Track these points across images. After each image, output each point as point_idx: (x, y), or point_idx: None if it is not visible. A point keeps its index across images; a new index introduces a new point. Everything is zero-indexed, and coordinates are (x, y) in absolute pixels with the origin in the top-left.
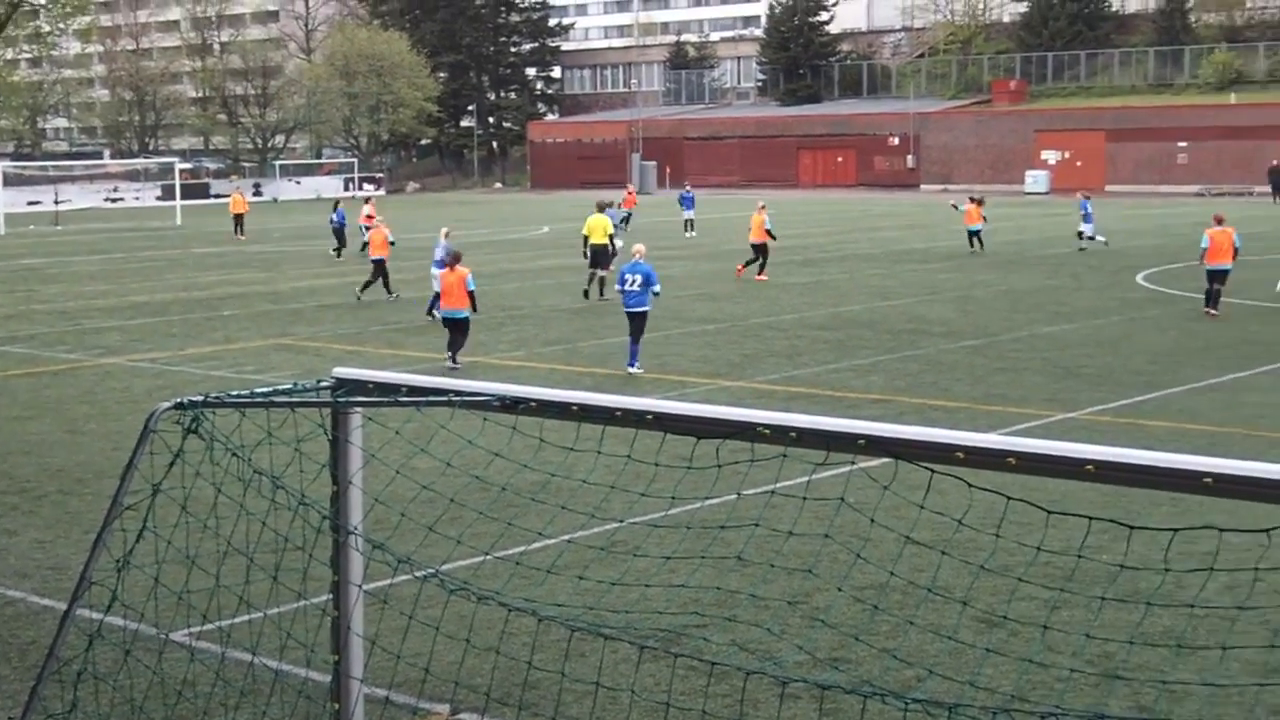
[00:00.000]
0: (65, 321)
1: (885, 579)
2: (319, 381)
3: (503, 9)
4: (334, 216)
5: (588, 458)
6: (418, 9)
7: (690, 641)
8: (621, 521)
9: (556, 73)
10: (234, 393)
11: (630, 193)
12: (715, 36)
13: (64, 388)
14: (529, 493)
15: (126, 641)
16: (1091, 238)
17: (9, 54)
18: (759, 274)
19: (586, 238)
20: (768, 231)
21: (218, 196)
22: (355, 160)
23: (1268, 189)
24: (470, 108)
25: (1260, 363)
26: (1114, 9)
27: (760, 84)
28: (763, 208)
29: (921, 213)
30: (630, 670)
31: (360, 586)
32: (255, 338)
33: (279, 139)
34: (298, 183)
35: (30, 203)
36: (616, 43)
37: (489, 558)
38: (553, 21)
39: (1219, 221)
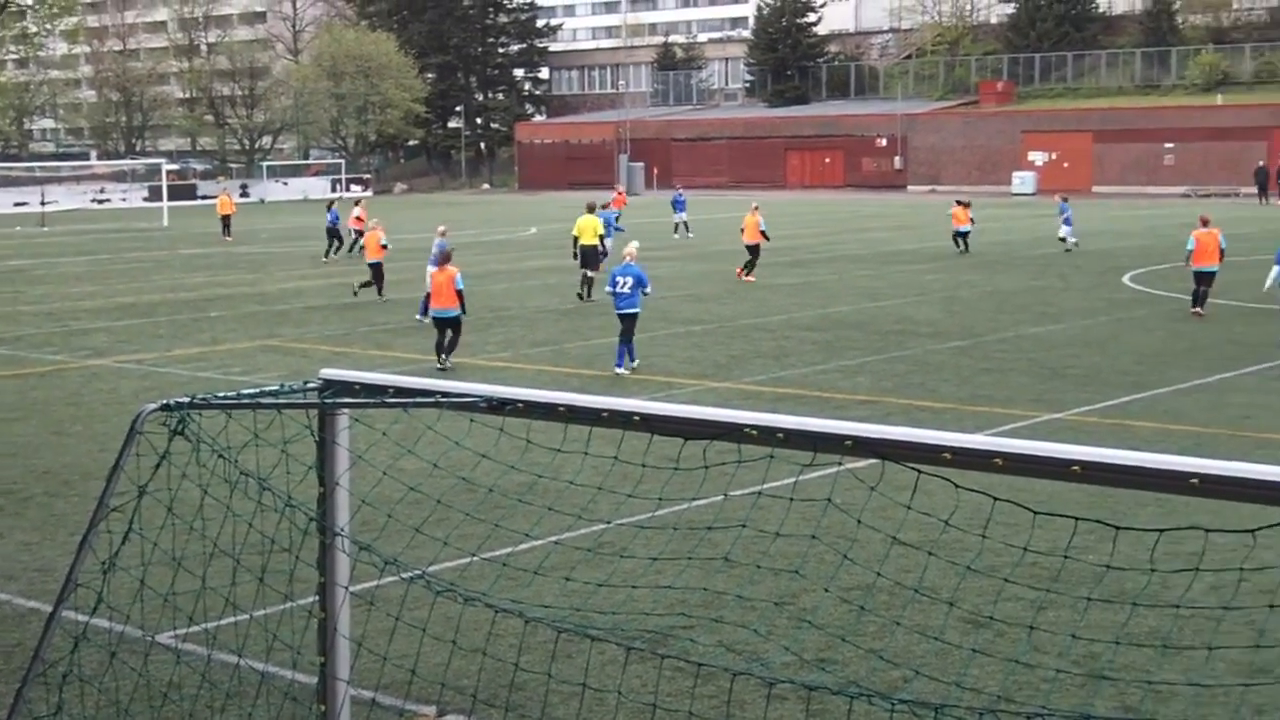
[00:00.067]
0: (52, 323)
1: (872, 580)
2: (306, 383)
3: (491, 10)
4: (328, 217)
5: (575, 459)
6: (405, 10)
7: (677, 642)
8: (608, 523)
9: (544, 74)
10: (220, 394)
11: (620, 193)
12: (703, 37)
13: (50, 389)
14: (516, 494)
15: (112, 644)
16: (1063, 239)
17: None
18: (740, 271)
19: (576, 238)
20: (762, 233)
21: (205, 198)
22: (343, 161)
23: (1254, 190)
24: (458, 109)
25: (1246, 363)
26: (1101, 10)
27: (748, 85)
28: (756, 208)
29: (909, 214)
30: (617, 671)
31: (347, 588)
32: (242, 339)
33: (266, 140)
34: (285, 184)
35: (17, 204)
36: (604, 44)
37: (476, 559)
38: (540, 22)
39: (1204, 223)
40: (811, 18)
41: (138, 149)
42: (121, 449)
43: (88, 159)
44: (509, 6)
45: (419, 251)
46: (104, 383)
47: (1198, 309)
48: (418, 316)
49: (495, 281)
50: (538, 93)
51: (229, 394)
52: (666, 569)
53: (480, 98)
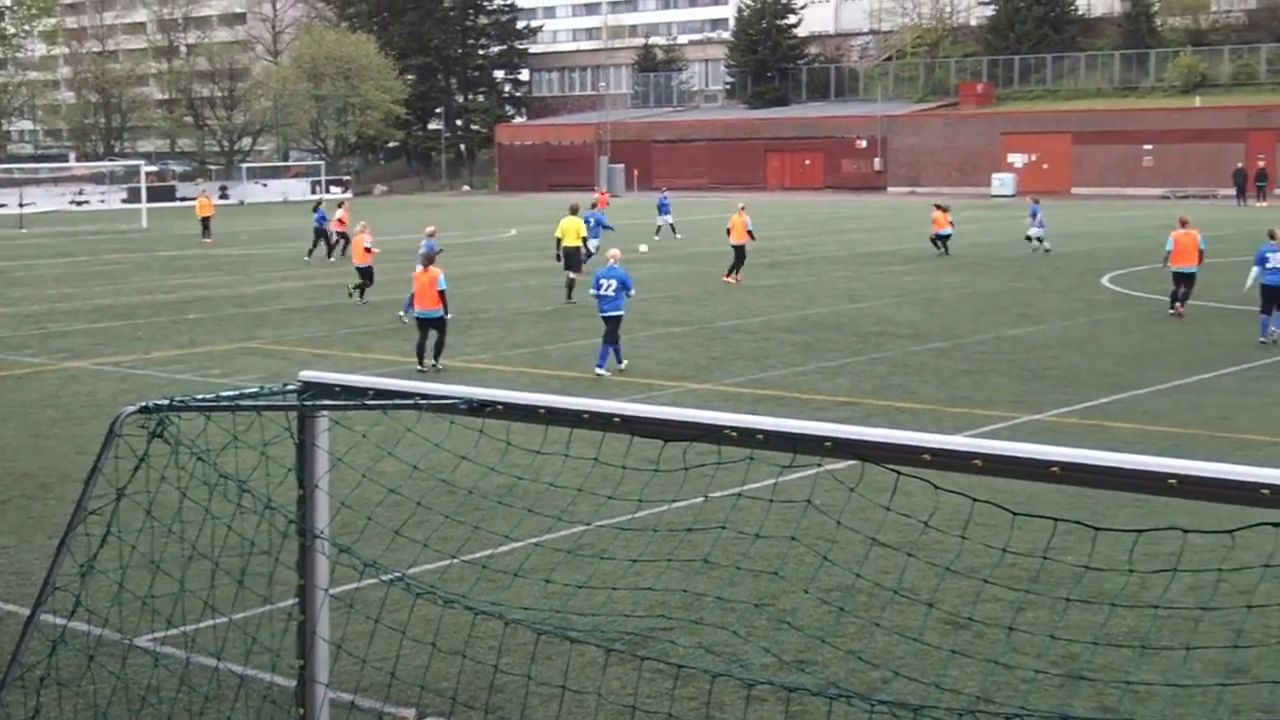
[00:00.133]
0: (30, 325)
1: (851, 581)
2: (285, 385)
3: (471, 12)
4: (315, 218)
5: (555, 461)
6: (385, 11)
7: (657, 644)
8: (588, 524)
9: (524, 75)
10: (199, 396)
11: (603, 194)
12: (683, 39)
13: (28, 392)
14: (496, 496)
15: (90, 647)
16: (1028, 238)
17: None
18: (726, 275)
19: (559, 240)
20: (749, 233)
21: (184, 199)
22: (322, 163)
23: (1232, 192)
24: (438, 110)
25: (1224, 364)
26: (1080, 12)
27: (728, 87)
28: (743, 209)
29: (889, 215)
30: (597, 673)
31: (326, 590)
32: (221, 341)
33: (246, 141)
34: (264, 185)
35: None
36: (585, 45)
37: (456, 561)
38: (521, 24)
39: (1183, 224)
40: (791, 19)
41: (116, 150)
42: (100, 451)
43: (66, 160)
44: (489, 8)
45: (399, 253)
46: (82, 385)
47: (1177, 308)
48: (401, 314)
49: (475, 283)
50: (518, 94)
51: (208, 396)
52: (646, 571)
53: (460, 99)
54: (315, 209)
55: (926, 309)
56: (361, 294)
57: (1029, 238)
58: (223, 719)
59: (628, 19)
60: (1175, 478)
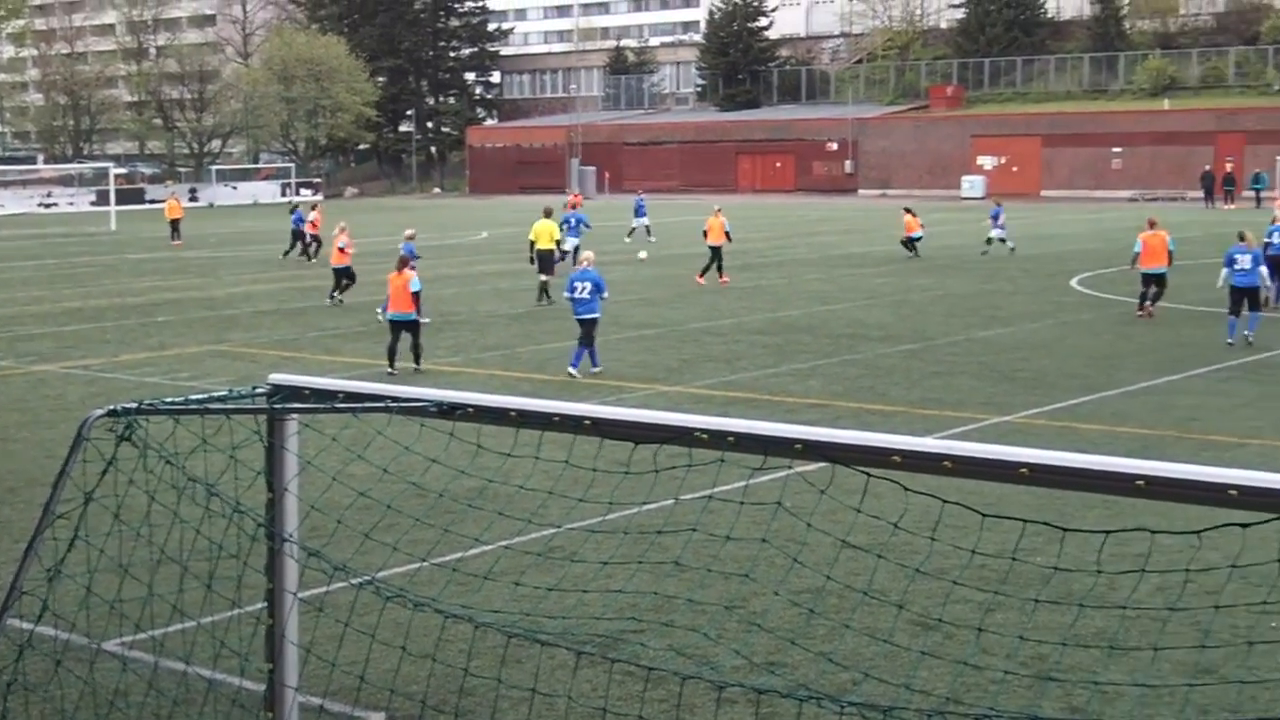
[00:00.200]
0: None
1: (822, 583)
2: (255, 388)
3: (442, 14)
4: (293, 219)
5: (525, 463)
6: (356, 13)
7: (627, 647)
8: (559, 527)
9: (496, 78)
10: (168, 400)
11: (575, 195)
12: (655, 42)
13: None
14: (466, 499)
15: (58, 651)
16: (989, 240)
17: None
18: (700, 275)
19: (533, 243)
20: (726, 234)
21: (153, 202)
22: (293, 165)
23: (1200, 194)
24: (409, 112)
25: (1192, 366)
26: (1050, 15)
27: (699, 89)
28: (719, 211)
29: (859, 217)
30: (567, 676)
31: (295, 594)
32: (190, 344)
33: (215, 144)
34: (234, 188)
35: None
36: (556, 48)
37: (425, 564)
38: (492, 26)
39: (1152, 225)
40: (763, 22)
41: (85, 153)
42: (68, 455)
43: (34, 163)
44: (460, 10)
45: (371, 255)
46: (50, 389)
47: (1147, 309)
48: (379, 311)
49: (446, 286)
50: (489, 97)
51: (177, 399)
52: (617, 573)
53: (431, 101)
54: (292, 211)
55: (897, 311)
56: (333, 294)
57: (989, 240)
58: None
59: (599, 21)
60: (1143, 479)
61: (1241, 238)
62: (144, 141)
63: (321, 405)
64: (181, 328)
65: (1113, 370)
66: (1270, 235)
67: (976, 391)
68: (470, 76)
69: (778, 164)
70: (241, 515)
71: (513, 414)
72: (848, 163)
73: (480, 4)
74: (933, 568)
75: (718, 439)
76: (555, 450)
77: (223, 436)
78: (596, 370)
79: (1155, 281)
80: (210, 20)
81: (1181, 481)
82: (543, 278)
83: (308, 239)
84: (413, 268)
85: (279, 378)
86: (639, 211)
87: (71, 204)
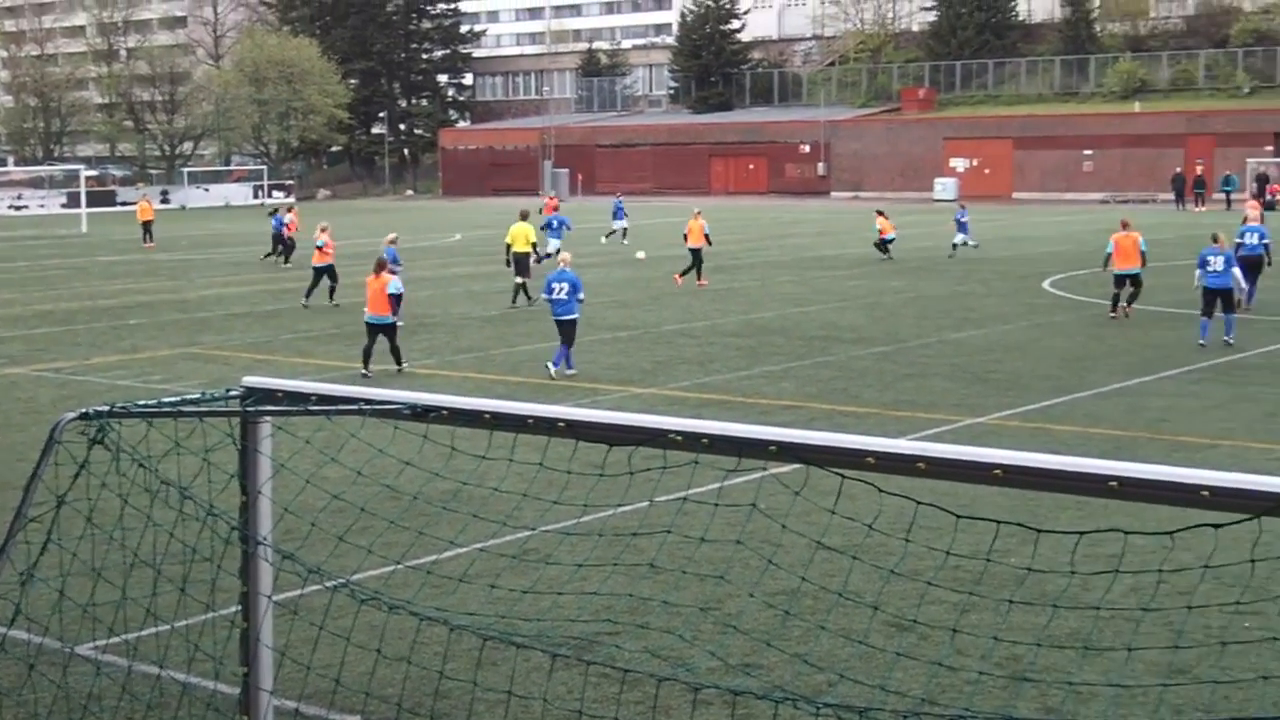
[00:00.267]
0: None
1: (797, 584)
2: (228, 390)
3: (414, 16)
4: (273, 222)
5: (500, 466)
6: (328, 15)
7: (603, 649)
8: (534, 529)
9: (468, 80)
10: (141, 402)
11: (551, 198)
12: (627, 44)
13: None
14: (440, 501)
15: (30, 656)
16: (956, 245)
17: None
18: (680, 274)
19: (509, 246)
20: (706, 236)
21: (124, 204)
22: (265, 167)
23: (1171, 197)
24: (381, 114)
25: (1163, 367)
26: (1021, 18)
27: (672, 91)
28: (699, 214)
29: (832, 220)
30: (542, 679)
31: (270, 597)
32: (162, 347)
33: (187, 146)
34: (206, 190)
35: None
36: (528, 50)
37: (400, 567)
38: (464, 28)
39: (1124, 226)
40: (735, 25)
41: (56, 155)
42: (40, 458)
43: (4, 165)
44: (432, 13)
45: (343, 258)
46: (21, 391)
47: (1125, 309)
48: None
49: (420, 288)
50: (462, 99)
51: (149, 402)
52: (592, 575)
53: (404, 104)
54: (272, 214)
55: (870, 313)
56: (307, 294)
57: (955, 245)
58: None
59: (571, 24)
60: (1116, 480)
61: (1215, 239)
62: (115, 144)
63: (295, 408)
64: (154, 330)
65: (1085, 372)
66: (1242, 236)
67: (949, 393)
68: (443, 79)
69: (750, 166)
70: (215, 518)
71: (487, 416)
72: (820, 165)
73: (452, 6)
74: (907, 569)
75: (692, 441)
76: (530, 452)
77: (196, 439)
78: (571, 372)
79: (1130, 281)
80: (181, 22)
81: (1154, 482)
82: (519, 280)
83: (289, 242)
84: (392, 271)
85: (252, 380)
86: (617, 214)
87: (42, 206)
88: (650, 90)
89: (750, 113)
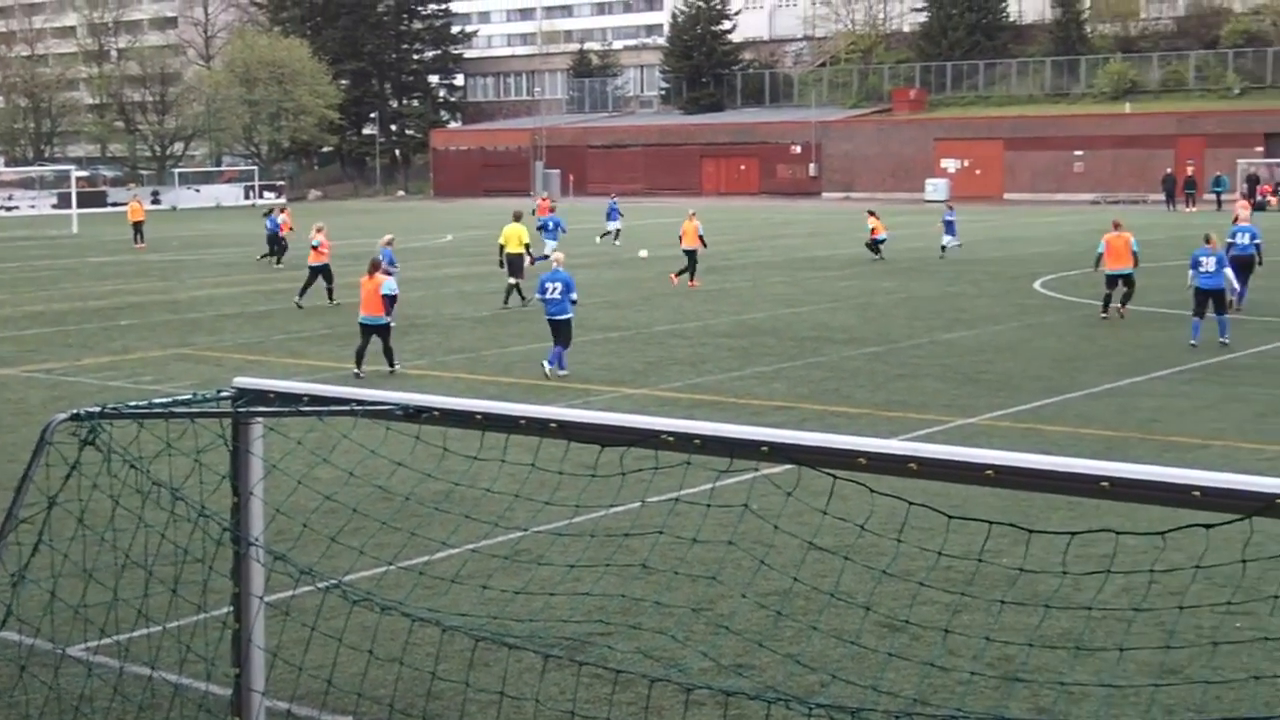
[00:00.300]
0: None
1: (789, 585)
2: (219, 391)
3: (405, 16)
4: (267, 223)
5: (491, 466)
6: (319, 16)
7: (595, 650)
8: (526, 530)
9: (459, 80)
10: (132, 403)
11: (544, 200)
12: (618, 45)
13: None
14: (432, 502)
15: (22, 657)
16: (945, 247)
17: None
18: (675, 274)
19: (502, 247)
20: (700, 238)
21: (115, 205)
22: (256, 168)
23: (1161, 197)
24: (372, 115)
25: (1155, 367)
26: (1011, 19)
27: (663, 92)
28: (693, 215)
29: (824, 220)
30: (535, 679)
31: (261, 598)
32: (154, 347)
33: (178, 146)
34: (197, 190)
35: None
36: (520, 50)
37: (392, 568)
38: (455, 29)
39: (1116, 226)
40: (726, 25)
41: (47, 155)
42: (30, 460)
43: None
44: (423, 13)
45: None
46: (12, 393)
47: (1119, 309)
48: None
49: (411, 289)
50: (453, 99)
51: (140, 403)
52: (584, 576)
53: (395, 104)
54: (267, 215)
55: (861, 314)
56: (301, 294)
57: (944, 247)
58: None
59: (562, 24)
60: (1107, 480)
61: (1207, 240)
62: (106, 144)
63: (287, 409)
64: (145, 331)
65: (1076, 372)
66: (1233, 236)
67: (941, 394)
68: (434, 79)
69: (742, 167)
70: (206, 519)
71: (479, 417)
72: (811, 166)
73: (443, 7)
74: (899, 569)
75: (684, 441)
76: (522, 453)
77: (187, 440)
78: (563, 373)
79: (1123, 281)
80: (172, 23)
81: (1145, 483)
82: (512, 281)
83: (282, 242)
84: (387, 272)
85: (244, 381)
86: (611, 215)
87: (33, 207)
88: (641, 91)
89: (741, 113)
